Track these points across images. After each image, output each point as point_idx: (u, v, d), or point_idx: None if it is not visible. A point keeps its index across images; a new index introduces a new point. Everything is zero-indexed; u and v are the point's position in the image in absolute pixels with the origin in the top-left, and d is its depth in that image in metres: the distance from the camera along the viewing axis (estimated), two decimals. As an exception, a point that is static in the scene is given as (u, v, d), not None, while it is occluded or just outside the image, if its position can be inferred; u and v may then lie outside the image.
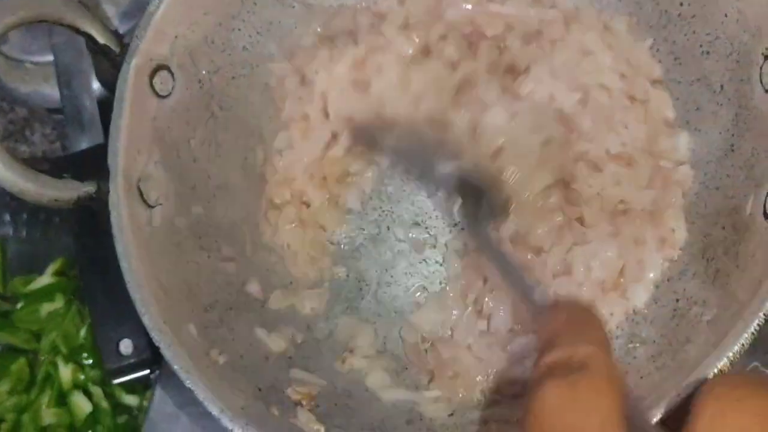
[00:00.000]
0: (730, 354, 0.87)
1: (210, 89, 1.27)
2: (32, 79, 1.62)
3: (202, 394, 0.99)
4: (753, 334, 0.88)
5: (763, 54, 1.05)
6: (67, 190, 1.07)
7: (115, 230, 1.06)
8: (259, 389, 1.11)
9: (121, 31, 1.46)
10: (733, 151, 1.13)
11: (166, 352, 1.00)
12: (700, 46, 1.17)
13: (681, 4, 1.18)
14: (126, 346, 1.28)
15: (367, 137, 1.24)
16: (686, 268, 1.14)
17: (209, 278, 1.20)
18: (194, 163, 1.25)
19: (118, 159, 1.09)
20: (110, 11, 1.52)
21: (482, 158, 1.14)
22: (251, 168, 1.31)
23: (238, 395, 1.05)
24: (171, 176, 1.19)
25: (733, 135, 1.13)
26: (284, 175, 1.29)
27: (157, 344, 1.01)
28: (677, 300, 1.12)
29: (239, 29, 1.29)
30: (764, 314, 0.88)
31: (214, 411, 0.98)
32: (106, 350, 1.28)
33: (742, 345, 0.88)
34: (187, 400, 1.16)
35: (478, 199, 1.13)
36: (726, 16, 1.11)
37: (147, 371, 1.31)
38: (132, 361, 1.28)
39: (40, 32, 1.57)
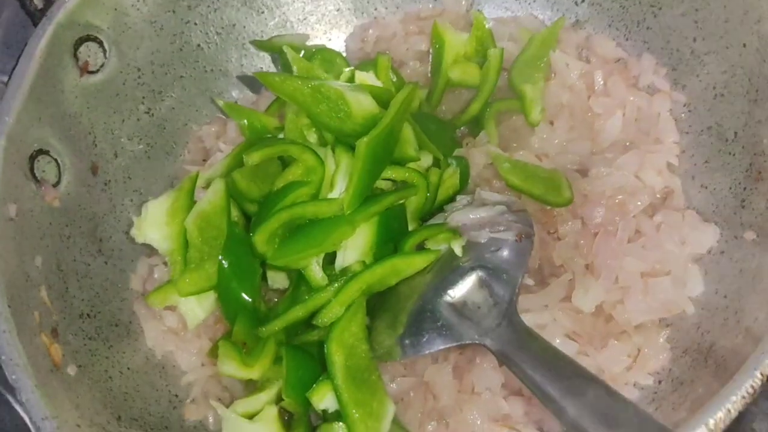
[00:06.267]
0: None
1: (150, 81, 1.11)
2: None
3: (26, 395, 0.77)
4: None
5: (785, 83, 0.86)
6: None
7: (-21, 193, 0.88)
8: (119, 418, 0.88)
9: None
10: (743, 207, 0.92)
11: (2, 337, 0.79)
12: (714, 87, 0.99)
13: (694, 40, 1.01)
14: None
15: None
16: (676, 346, 0.92)
17: (98, 286, 1.00)
18: (115, 158, 1.07)
19: (8, 119, 0.92)
20: None
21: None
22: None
23: (84, 413, 0.83)
24: (79, 163, 1.02)
25: (745, 189, 0.92)
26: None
27: (-9, 324, 0.80)
28: (660, 380, 0.90)
29: (195, 23, 1.14)
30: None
31: (37, 417, 0.76)
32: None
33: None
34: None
35: None
36: (744, 46, 0.93)
37: None
38: None
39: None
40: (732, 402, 0.66)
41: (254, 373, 0.92)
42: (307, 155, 0.97)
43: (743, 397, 0.66)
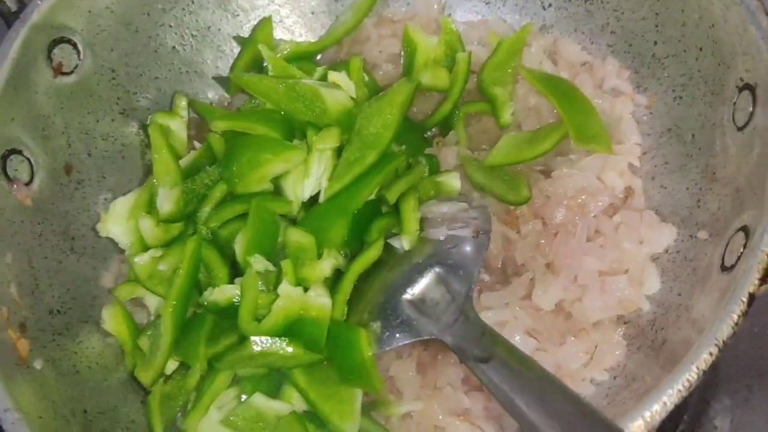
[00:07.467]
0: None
1: (125, 83, 1.13)
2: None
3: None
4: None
5: (736, 86, 0.88)
6: None
7: (-50, 191, 0.90)
8: (85, 411, 0.90)
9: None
10: (699, 207, 0.94)
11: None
12: (673, 90, 1.01)
13: (655, 43, 1.03)
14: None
15: None
16: (631, 342, 0.94)
17: (69, 283, 1.02)
18: (89, 158, 1.09)
19: (-20, 119, 0.94)
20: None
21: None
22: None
23: (48, 406, 0.85)
24: (52, 162, 1.03)
25: (700, 189, 0.95)
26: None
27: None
28: (615, 376, 0.93)
29: (170, 25, 1.16)
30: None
31: (-3, 408, 0.78)
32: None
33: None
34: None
35: None
36: (701, 50, 0.95)
37: None
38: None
39: None
40: (669, 395, 0.68)
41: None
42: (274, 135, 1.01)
43: (679, 391, 0.68)
